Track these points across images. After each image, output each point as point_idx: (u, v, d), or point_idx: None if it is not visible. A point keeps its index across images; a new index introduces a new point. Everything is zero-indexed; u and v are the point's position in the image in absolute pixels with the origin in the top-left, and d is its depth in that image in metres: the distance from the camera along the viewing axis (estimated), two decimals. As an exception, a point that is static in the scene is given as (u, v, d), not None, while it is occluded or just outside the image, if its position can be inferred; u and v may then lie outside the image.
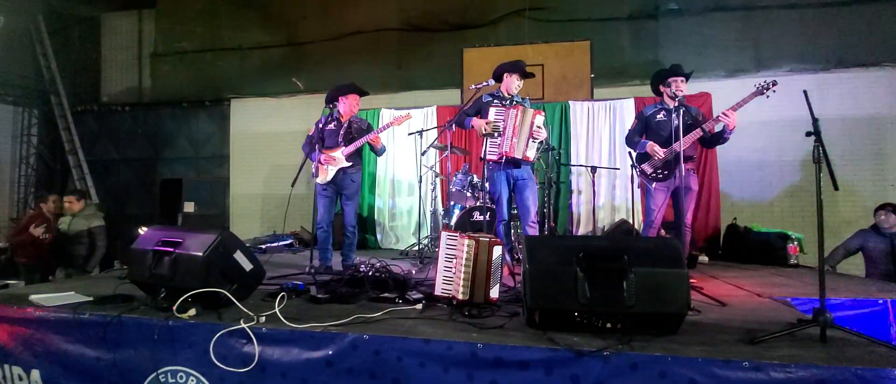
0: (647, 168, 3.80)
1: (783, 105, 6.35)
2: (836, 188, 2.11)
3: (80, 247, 5.32)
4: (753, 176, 6.74)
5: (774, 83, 3.42)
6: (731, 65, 6.80)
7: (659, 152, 3.68)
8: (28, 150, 9.20)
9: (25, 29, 8.88)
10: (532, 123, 3.73)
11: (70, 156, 8.89)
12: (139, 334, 2.34)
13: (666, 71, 3.79)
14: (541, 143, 3.90)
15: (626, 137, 4.01)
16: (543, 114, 3.85)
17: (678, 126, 3.47)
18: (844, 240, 4.74)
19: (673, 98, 3.67)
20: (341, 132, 4.06)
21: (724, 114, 3.54)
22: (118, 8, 9.38)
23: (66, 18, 9.40)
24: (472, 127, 3.90)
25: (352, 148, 3.99)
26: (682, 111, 3.54)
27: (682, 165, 3.49)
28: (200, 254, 2.46)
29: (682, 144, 3.48)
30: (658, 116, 3.81)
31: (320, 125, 4.14)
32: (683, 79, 3.73)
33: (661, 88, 3.82)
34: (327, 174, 4.01)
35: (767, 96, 3.43)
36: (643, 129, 3.89)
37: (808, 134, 2.17)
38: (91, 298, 2.69)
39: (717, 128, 3.69)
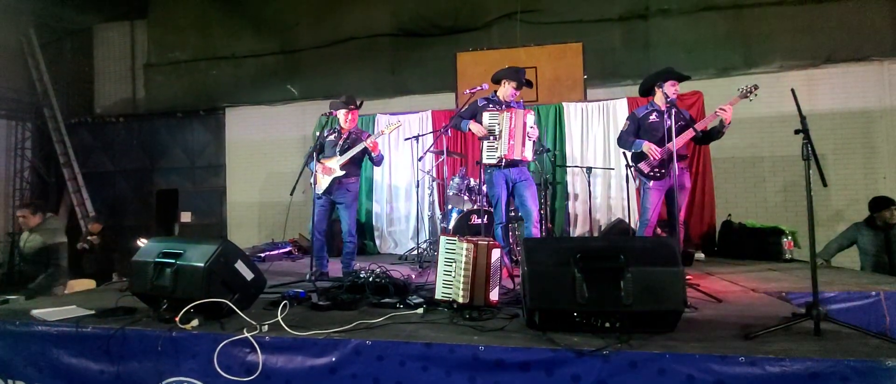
0: (644, 167, 3.85)
1: (774, 101, 6.45)
2: (825, 184, 2.16)
3: (39, 267, 4.61)
4: (747, 171, 6.81)
5: (756, 87, 3.57)
6: (721, 63, 6.88)
7: (656, 152, 3.72)
8: (22, 164, 9.18)
9: (17, 42, 8.88)
10: (524, 124, 3.79)
11: (65, 168, 8.87)
12: (142, 346, 2.35)
13: (663, 73, 3.83)
14: (535, 142, 3.95)
15: (619, 139, 4.04)
16: (533, 112, 3.92)
17: (671, 127, 3.53)
18: (838, 235, 4.80)
19: (670, 101, 3.72)
20: (339, 143, 4.10)
21: (721, 109, 3.62)
22: (110, 19, 9.38)
23: (58, 31, 9.39)
24: (469, 130, 3.94)
25: (346, 157, 4.02)
26: (673, 111, 3.60)
27: (676, 164, 3.54)
28: (202, 264, 2.47)
29: (677, 144, 3.54)
30: (651, 118, 3.86)
31: (323, 135, 4.18)
32: (677, 81, 3.79)
33: (656, 89, 3.86)
34: (323, 184, 4.04)
35: (750, 99, 3.59)
36: (636, 130, 3.93)
37: (797, 132, 2.21)
38: (93, 311, 2.69)
39: (712, 124, 3.75)
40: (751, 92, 3.56)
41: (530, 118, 3.83)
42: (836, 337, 2.07)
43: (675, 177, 3.61)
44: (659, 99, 3.84)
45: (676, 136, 3.59)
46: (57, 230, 4.93)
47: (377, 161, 4.16)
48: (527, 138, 3.82)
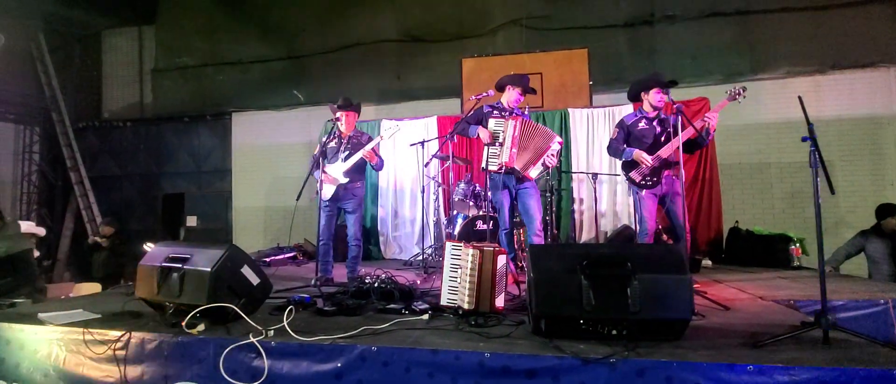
0: (635, 176, 3.81)
1: (780, 107, 6.44)
2: (833, 192, 2.15)
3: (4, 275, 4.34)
4: (754, 178, 6.78)
5: (744, 88, 3.59)
6: (727, 69, 6.85)
7: (647, 160, 3.68)
8: (30, 168, 9.25)
9: (26, 47, 8.97)
10: (548, 148, 3.78)
11: (72, 172, 8.94)
12: (148, 350, 2.36)
13: (648, 81, 3.80)
14: (548, 168, 3.93)
15: (608, 147, 4.00)
16: (560, 139, 3.88)
17: (659, 134, 3.53)
18: (846, 242, 4.77)
19: (656, 108, 3.72)
20: (340, 148, 4.10)
21: (706, 116, 3.64)
22: (118, 25, 9.48)
23: (67, 36, 9.49)
24: (477, 135, 3.95)
25: (348, 164, 4.02)
26: (666, 119, 3.59)
27: (669, 171, 3.54)
28: (208, 269, 2.48)
29: (667, 151, 3.56)
30: (640, 125, 3.82)
31: (324, 141, 4.19)
32: (665, 92, 3.71)
33: (643, 96, 3.83)
34: (328, 191, 4.05)
35: (739, 101, 3.61)
36: (625, 138, 3.90)
37: (805, 139, 2.21)
38: (100, 316, 2.70)
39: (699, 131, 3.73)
40: (739, 94, 3.57)
41: (556, 147, 3.81)
42: (845, 346, 2.06)
43: (669, 184, 3.61)
44: (646, 106, 3.83)
45: (666, 143, 3.60)
46: (19, 236, 4.63)
47: (377, 167, 4.16)
48: (542, 162, 3.80)
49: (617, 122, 4.06)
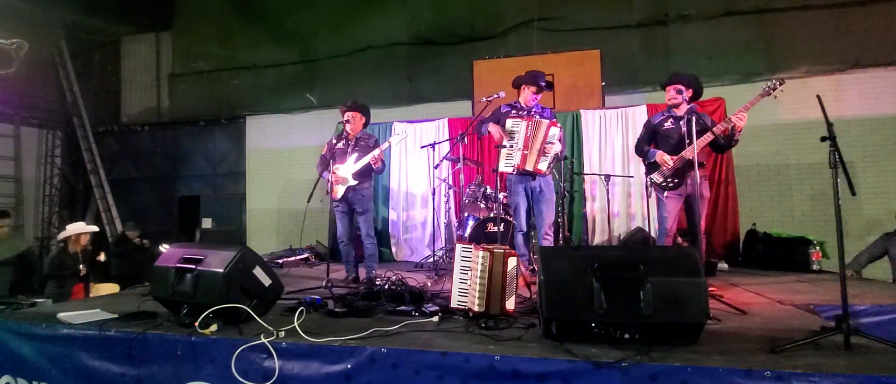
0: (657, 177, 3.76)
1: (800, 107, 6.29)
2: (853, 193, 2.09)
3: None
4: (772, 180, 6.64)
5: (781, 82, 3.40)
6: (744, 69, 6.73)
7: (668, 162, 3.63)
8: (52, 171, 9.48)
9: (49, 54, 9.22)
10: (545, 136, 3.74)
11: (92, 175, 9.14)
12: (163, 350, 2.39)
13: (668, 78, 3.75)
14: (556, 155, 3.88)
15: (636, 147, 3.97)
16: (558, 126, 3.82)
17: (685, 133, 3.45)
18: (868, 245, 4.64)
19: (676, 106, 3.65)
20: (348, 150, 4.13)
21: (735, 116, 3.51)
22: (137, 31, 9.69)
23: (88, 43, 9.72)
24: (488, 132, 3.92)
25: (357, 166, 4.05)
26: (691, 118, 3.49)
27: (694, 172, 3.45)
28: (221, 270, 2.50)
29: (691, 152, 3.46)
30: (666, 124, 3.76)
31: (332, 143, 4.22)
32: (678, 87, 3.63)
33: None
34: (338, 192, 4.09)
35: (775, 96, 3.43)
36: (651, 138, 3.85)
37: (824, 139, 2.15)
38: (116, 315, 2.75)
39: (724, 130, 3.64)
40: (774, 88, 3.39)
41: (553, 131, 3.73)
42: (867, 351, 2.00)
43: (693, 185, 3.52)
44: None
45: (691, 144, 3.51)
46: (20, 237, 4.92)
47: (378, 171, 4.17)
48: (543, 153, 3.75)
49: (644, 122, 4.01)
